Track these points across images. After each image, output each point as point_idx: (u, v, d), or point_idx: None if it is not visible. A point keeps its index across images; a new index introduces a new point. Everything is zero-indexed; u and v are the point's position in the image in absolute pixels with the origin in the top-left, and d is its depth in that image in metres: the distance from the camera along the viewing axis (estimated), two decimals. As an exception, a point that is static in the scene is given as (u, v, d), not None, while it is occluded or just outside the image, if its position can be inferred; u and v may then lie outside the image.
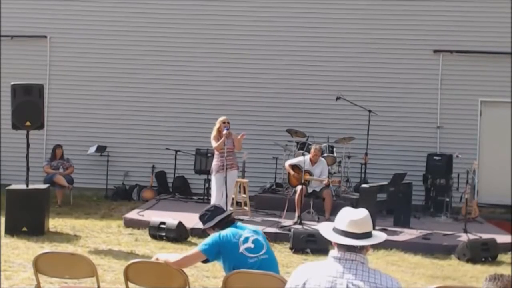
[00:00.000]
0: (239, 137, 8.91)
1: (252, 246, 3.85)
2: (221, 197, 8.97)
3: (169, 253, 4.09)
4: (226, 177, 8.62)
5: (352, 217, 2.75)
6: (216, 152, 9.05)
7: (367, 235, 2.74)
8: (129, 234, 8.38)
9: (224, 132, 8.77)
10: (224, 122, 8.91)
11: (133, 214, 9.29)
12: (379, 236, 2.81)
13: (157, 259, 3.93)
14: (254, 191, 10.68)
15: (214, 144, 8.92)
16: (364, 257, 2.70)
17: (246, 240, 3.87)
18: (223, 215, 4.14)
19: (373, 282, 2.61)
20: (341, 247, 2.72)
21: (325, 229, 2.83)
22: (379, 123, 11.16)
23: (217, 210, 4.23)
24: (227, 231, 3.94)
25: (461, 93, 11.54)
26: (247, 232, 3.97)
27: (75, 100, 11.97)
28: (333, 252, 2.74)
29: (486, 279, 2.65)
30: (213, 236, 3.92)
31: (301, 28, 11.71)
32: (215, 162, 9.02)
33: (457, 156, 10.40)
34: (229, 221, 4.11)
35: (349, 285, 2.61)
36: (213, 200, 9.11)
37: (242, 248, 3.81)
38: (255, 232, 4.05)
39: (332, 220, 2.87)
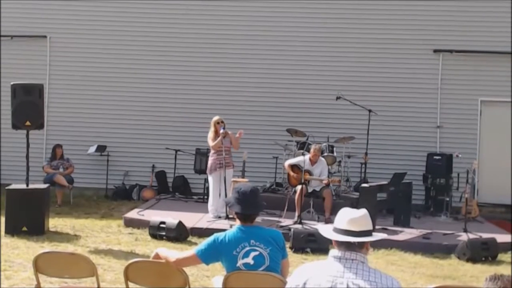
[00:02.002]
0: (237, 135, 8.92)
1: (252, 262, 3.64)
2: (218, 196, 8.99)
3: (169, 250, 4.05)
4: (225, 176, 8.63)
5: (350, 215, 2.77)
6: (212, 151, 9.09)
7: (367, 233, 2.75)
8: (129, 233, 8.37)
9: (221, 131, 8.78)
10: (218, 123, 8.94)
11: (133, 214, 9.28)
12: (378, 235, 2.83)
13: (156, 253, 3.91)
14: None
15: (211, 143, 8.98)
16: (364, 257, 2.71)
17: (247, 254, 3.65)
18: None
19: (374, 281, 2.61)
20: (341, 246, 2.72)
21: (325, 229, 2.85)
22: (379, 123, 11.16)
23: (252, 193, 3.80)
24: (230, 237, 3.70)
25: (461, 93, 11.55)
26: (253, 243, 3.67)
27: (75, 100, 11.98)
28: (334, 251, 2.75)
29: (486, 279, 2.64)
30: (210, 240, 3.74)
31: (301, 28, 11.71)
32: (210, 161, 9.05)
33: (457, 156, 10.40)
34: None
35: (349, 284, 2.61)
36: (210, 200, 9.14)
37: (240, 263, 3.64)
38: (267, 242, 3.69)
39: (333, 220, 2.88)
